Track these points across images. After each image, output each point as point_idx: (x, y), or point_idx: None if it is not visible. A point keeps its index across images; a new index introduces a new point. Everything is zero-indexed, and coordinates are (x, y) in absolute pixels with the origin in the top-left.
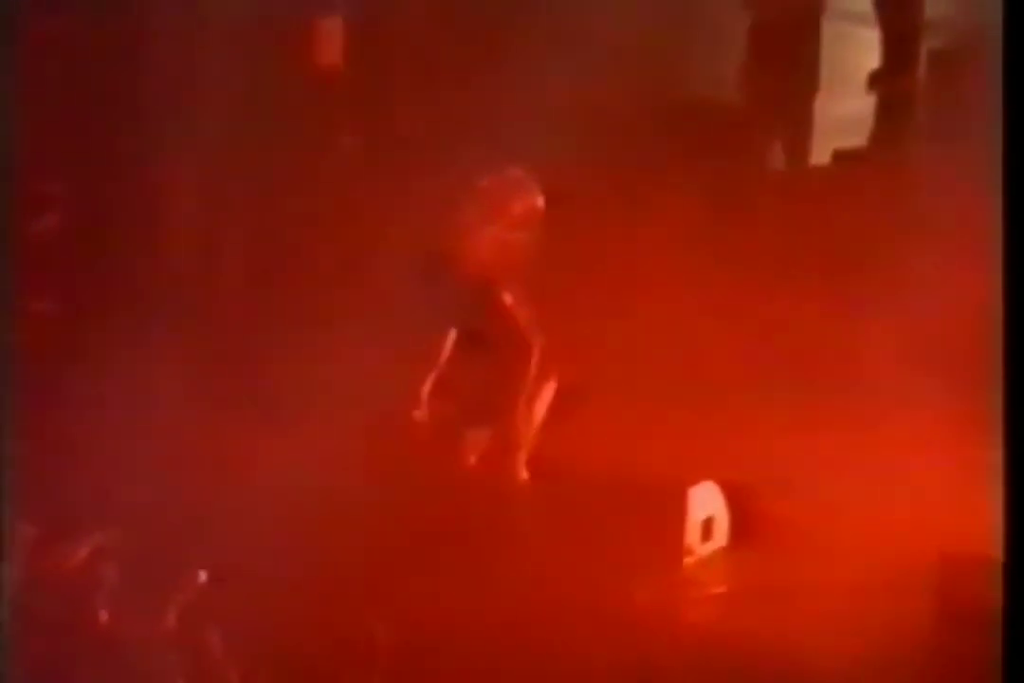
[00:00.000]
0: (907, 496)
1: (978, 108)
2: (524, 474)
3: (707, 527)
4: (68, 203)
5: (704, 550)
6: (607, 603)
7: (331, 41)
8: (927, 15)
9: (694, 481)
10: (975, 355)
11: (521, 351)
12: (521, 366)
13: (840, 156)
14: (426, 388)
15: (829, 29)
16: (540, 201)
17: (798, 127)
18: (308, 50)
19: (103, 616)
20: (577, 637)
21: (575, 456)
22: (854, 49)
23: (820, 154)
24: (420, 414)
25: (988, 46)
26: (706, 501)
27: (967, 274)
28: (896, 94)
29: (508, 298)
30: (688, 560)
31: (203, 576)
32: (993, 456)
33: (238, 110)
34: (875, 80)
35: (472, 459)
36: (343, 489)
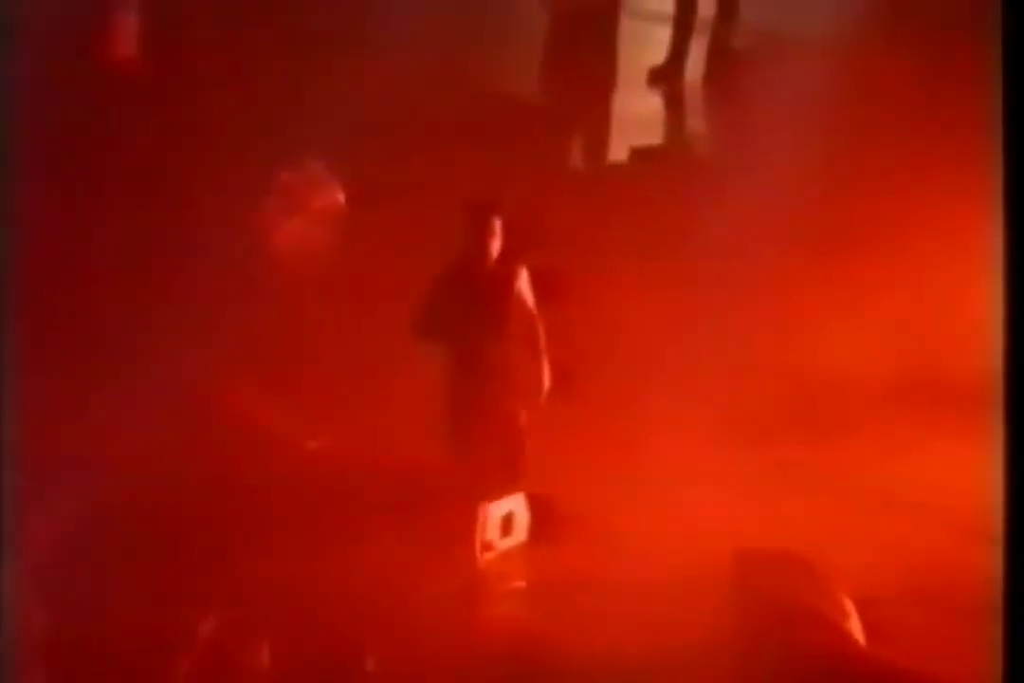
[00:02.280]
0: (697, 494)
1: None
2: None
3: (507, 523)
4: None
5: (504, 545)
6: (399, 596)
7: (127, 33)
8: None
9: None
10: None
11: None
12: None
13: (637, 154)
14: None
15: (627, 26)
16: (340, 197)
17: (596, 124)
18: (104, 43)
19: None
20: (369, 630)
21: (372, 445)
22: (652, 47)
23: (617, 151)
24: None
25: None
26: (507, 498)
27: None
28: (679, 91)
29: None
30: (487, 555)
31: None
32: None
33: (34, 105)
34: (656, 77)
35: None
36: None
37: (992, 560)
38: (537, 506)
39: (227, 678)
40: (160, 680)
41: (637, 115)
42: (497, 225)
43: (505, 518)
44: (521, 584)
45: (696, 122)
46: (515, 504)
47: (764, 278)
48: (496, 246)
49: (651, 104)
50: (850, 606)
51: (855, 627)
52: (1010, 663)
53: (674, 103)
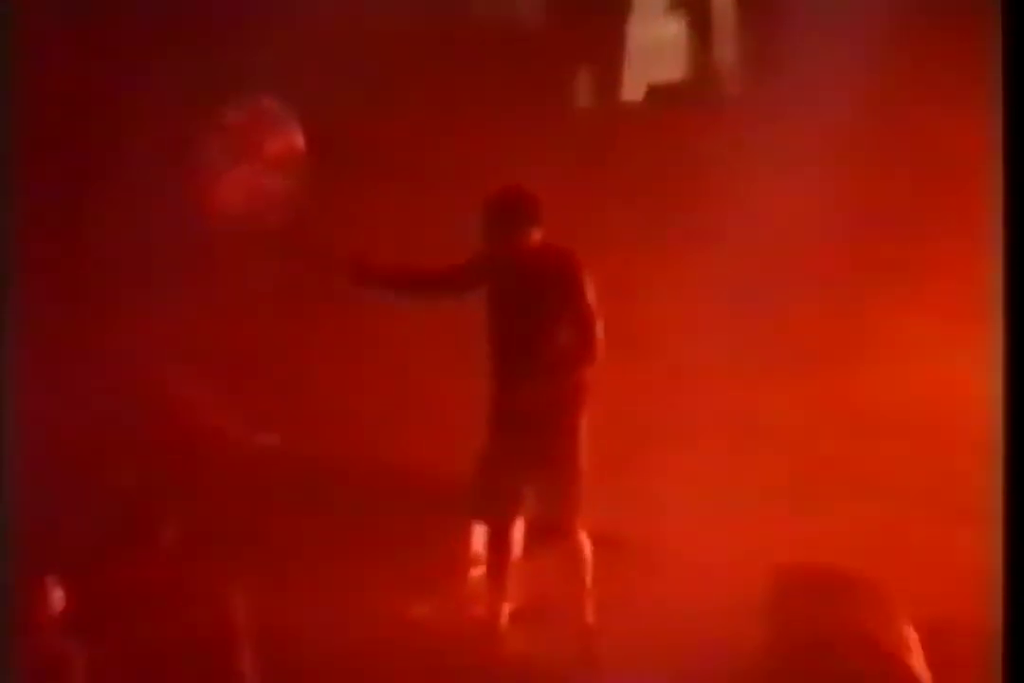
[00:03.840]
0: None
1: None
2: None
3: None
4: None
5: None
6: (379, 620)
7: None
8: None
9: None
10: None
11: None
12: None
13: (654, 91)
14: None
15: None
16: (300, 140)
17: (608, 55)
18: None
19: None
20: (346, 656)
21: (344, 446)
22: None
23: (632, 88)
24: None
25: None
26: None
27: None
28: (705, 16)
29: None
30: (474, 571)
31: None
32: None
33: None
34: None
35: None
36: None
37: None
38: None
39: None
40: None
41: (655, 45)
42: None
43: None
44: (513, 606)
45: (724, 53)
46: None
47: (797, 243)
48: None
49: (672, 32)
50: (913, 636)
51: (918, 661)
52: None
53: (699, 30)
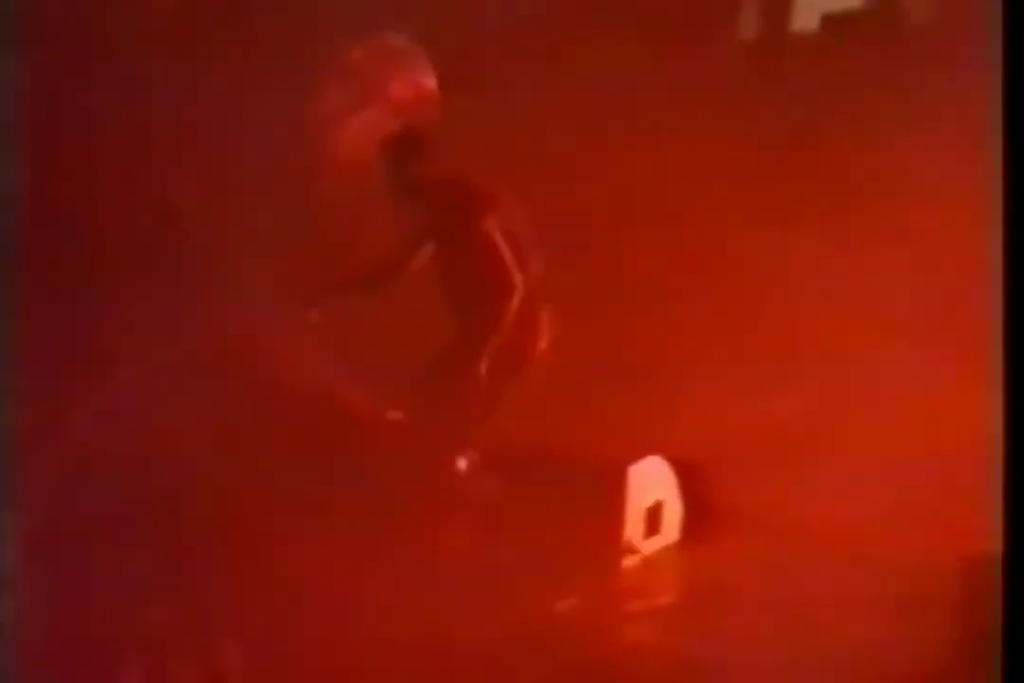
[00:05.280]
0: (900, 479)
1: None
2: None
3: (653, 517)
4: None
5: (649, 547)
6: (523, 617)
7: None
8: None
9: (636, 458)
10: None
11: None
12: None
13: (831, 21)
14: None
15: None
16: (432, 81)
17: None
18: None
19: None
20: (489, 658)
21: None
22: None
23: (805, 16)
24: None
25: None
26: (652, 483)
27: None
28: None
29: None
30: (628, 560)
31: None
32: (991, 424)
33: None
34: None
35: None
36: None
37: None
38: (692, 495)
39: None
40: None
41: None
42: None
43: (651, 510)
44: (671, 598)
45: None
46: (664, 491)
47: None
48: None
49: None
50: None
51: None
52: None
53: None
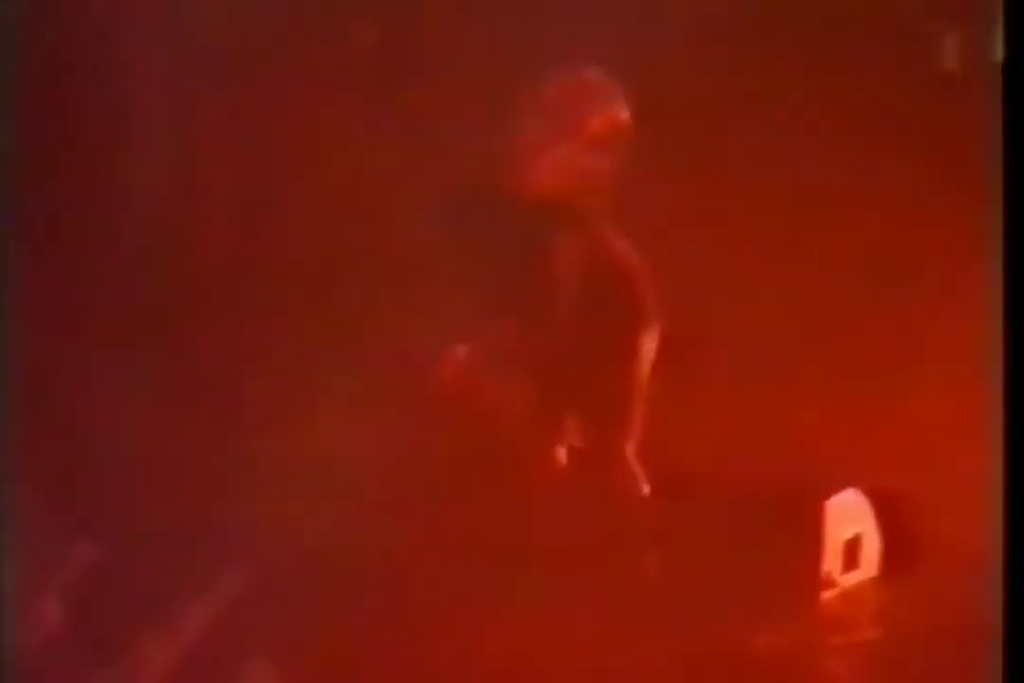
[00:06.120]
0: None
1: None
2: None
3: (851, 550)
4: None
5: (848, 581)
6: (719, 652)
7: None
8: None
9: (833, 490)
10: None
11: (632, 310)
12: (631, 332)
13: None
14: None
15: None
16: (625, 113)
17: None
18: None
19: None
20: None
21: (670, 455)
22: None
23: None
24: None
25: None
26: (849, 516)
27: None
28: None
29: (613, 238)
30: (827, 595)
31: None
32: None
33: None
34: None
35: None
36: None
37: None
38: (890, 527)
39: None
40: None
41: None
42: None
43: (849, 544)
44: (872, 634)
45: None
46: (863, 524)
47: None
48: None
49: None
50: None
51: None
52: None
53: None
